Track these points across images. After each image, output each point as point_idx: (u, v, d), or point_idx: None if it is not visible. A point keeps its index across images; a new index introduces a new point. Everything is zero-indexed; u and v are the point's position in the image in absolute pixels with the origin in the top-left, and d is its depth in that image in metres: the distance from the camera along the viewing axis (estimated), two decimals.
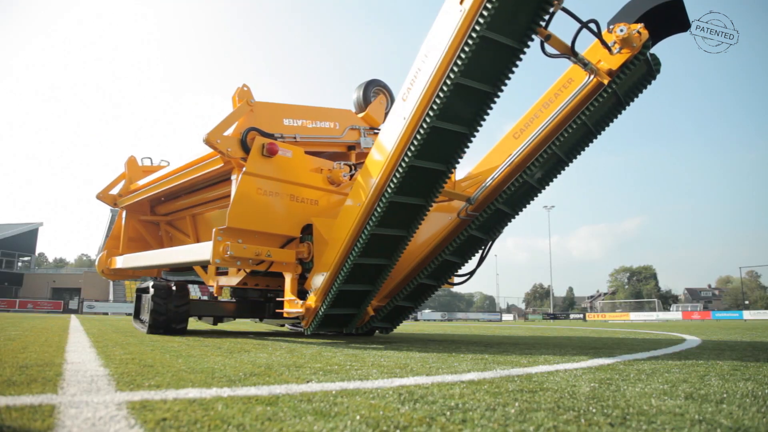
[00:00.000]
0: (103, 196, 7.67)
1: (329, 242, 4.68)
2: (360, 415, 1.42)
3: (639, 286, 76.85)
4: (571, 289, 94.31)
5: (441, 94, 3.71)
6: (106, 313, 33.05)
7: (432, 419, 1.38)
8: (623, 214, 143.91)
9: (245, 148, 4.85)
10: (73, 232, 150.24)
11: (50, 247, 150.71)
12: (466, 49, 3.52)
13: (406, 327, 10.98)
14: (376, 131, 6.04)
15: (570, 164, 4.75)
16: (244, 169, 4.80)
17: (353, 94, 6.41)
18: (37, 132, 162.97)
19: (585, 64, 4.04)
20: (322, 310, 4.69)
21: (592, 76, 4.11)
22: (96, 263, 7.79)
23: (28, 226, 47.62)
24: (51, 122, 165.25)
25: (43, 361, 2.68)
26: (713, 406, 1.64)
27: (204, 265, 6.35)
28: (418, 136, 3.87)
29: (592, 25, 3.90)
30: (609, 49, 3.99)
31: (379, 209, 4.19)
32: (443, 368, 2.65)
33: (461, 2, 3.57)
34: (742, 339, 6.33)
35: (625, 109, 4.48)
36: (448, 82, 3.66)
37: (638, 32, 3.91)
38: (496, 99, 3.90)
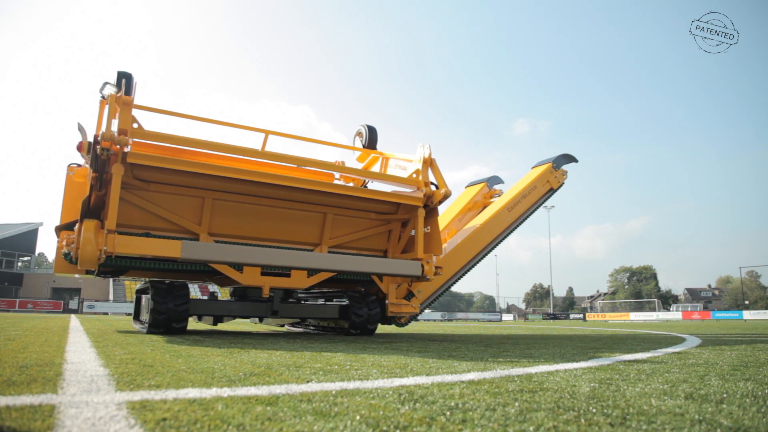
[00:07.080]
0: (110, 136, 4.66)
1: (443, 269, 7.13)
2: (360, 415, 1.42)
3: (639, 286, 76.83)
4: (571, 289, 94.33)
5: (527, 218, 8.81)
6: (106, 313, 33.08)
7: (432, 419, 1.38)
8: (629, 214, 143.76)
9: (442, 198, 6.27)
10: None
11: (50, 247, 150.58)
12: (545, 204, 9.58)
13: (406, 327, 10.96)
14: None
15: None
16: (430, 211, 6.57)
17: (365, 132, 7.65)
18: (37, 131, 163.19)
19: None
20: (422, 309, 7.31)
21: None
22: (81, 245, 4.47)
23: (28, 226, 47.56)
24: (51, 121, 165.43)
25: (43, 361, 2.68)
26: (713, 406, 1.64)
27: (405, 277, 6.42)
28: (511, 228, 8.54)
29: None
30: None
31: (481, 257, 8.13)
32: (443, 368, 2.65)
33: (547, 184, 9.01)
34: (742, 339, 6.33)
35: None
36: (531, 213, 8.86)
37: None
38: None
